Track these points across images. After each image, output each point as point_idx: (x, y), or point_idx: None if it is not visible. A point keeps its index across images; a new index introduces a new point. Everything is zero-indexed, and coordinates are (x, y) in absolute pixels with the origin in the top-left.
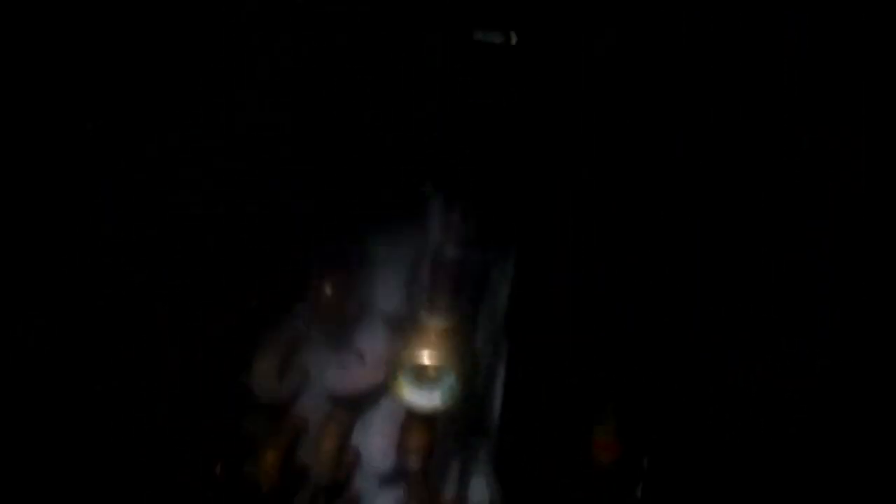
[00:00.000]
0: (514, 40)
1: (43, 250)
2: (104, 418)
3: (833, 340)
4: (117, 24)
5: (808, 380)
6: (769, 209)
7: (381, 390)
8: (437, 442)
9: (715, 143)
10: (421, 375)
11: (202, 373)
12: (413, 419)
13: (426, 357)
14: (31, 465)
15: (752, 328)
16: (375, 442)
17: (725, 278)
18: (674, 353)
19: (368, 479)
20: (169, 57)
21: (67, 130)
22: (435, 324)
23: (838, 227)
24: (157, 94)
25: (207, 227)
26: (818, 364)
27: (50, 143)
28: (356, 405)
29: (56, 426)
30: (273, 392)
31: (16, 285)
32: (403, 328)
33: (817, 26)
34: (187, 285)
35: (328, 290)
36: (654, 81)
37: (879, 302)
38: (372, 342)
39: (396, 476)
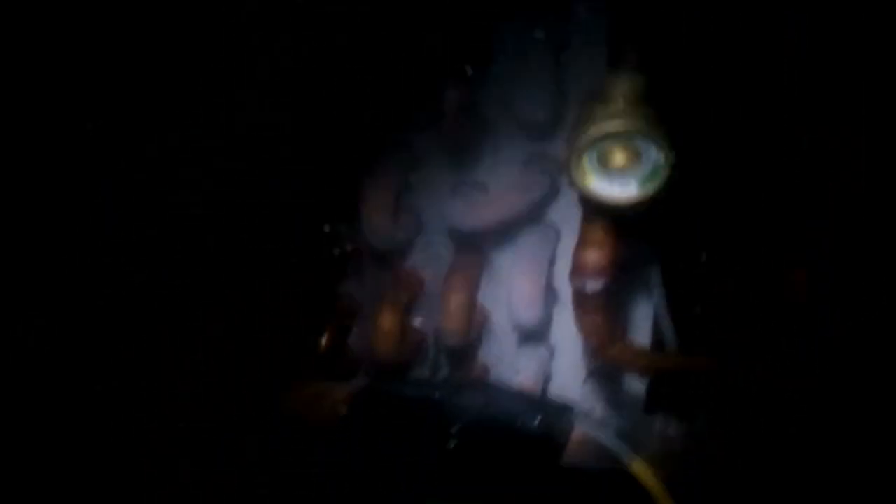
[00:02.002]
0: None
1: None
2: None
3: None
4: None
5: None
6: None
7: (516, 226)
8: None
9: None
10: (612, 155)
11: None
12: (593, 226)
13: (618, 126)
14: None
15: None
16: (518, 286)
17: None
18: None
19: (500, 341)
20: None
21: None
22: (626, 82)
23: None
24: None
25: None
26: None
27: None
28: (482, 248)
29: None
30: (386, 235)
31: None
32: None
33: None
34: None
35: (452, 100)
36: None
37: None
38: (497, 172)
39: (540, 331)
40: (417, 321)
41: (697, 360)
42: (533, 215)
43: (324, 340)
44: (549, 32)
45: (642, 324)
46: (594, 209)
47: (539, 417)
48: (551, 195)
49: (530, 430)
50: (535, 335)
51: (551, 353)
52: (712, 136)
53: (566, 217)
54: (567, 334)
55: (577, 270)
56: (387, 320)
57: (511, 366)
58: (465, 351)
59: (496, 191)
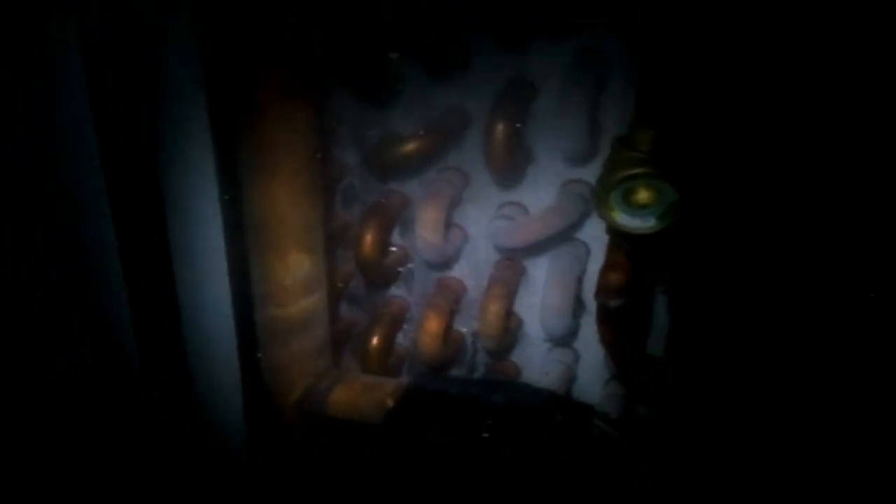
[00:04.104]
0: None
1: None
2: None
3: None
4: None
5: None
6: None
7: (551, 243)
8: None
9: None
10: (634, 194)
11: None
12: (617, 252)
13: (641, 170)
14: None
15: None
16: (550, 298)
17: None
18: None
19: (531, 344)
20: None
21: None
22: (649, 132)
23: None
24: None
25: None
26: None
27: None
28: (521, 261)
29: None
30: (437, 248)
31: None
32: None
33: None
34: None
35: (500, 131)
36: None
37: None
38: (537, 194)
39: (567, 336)
40: (459, 324)
41: (705, 372)
42: (568, 233)
43: (375, 339)
44: (590, 74)
45: (659, 336)
46: (618, 237)
47: (561, 415)
48: (584, 216)
49: (553, 426)
50: (562, 341)
51: (577, 358)
52: (719, 178)
53: (597, 235)
54: (592, 341)
55: (601, 289)
56: (432, 323)
57: (540, 367)
58: (500, 353)
59: (536, 213)
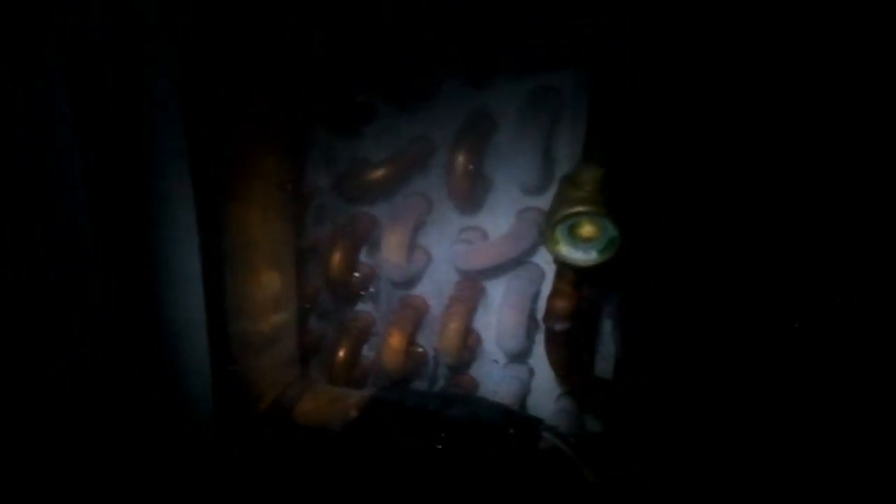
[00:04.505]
0: None
1: None
2: None
3: None
4: None
5: None
6: None
7: (508, 266)
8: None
9: None
10: (578, 229)
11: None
12: (562, 280)
13: (584, 208)
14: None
15: None
16: (505, 318)
17: None
18: None
19: (489, 361)
20: None
21: None
22: (593, 172)
23: None
24: None
25: None
26: None
27: None
28: (480, 282)
29: None
30: (401, 270)
31: None
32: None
33: None
34: None
35: (462, 161)
36: None
37: None
38: (495, 220)
39: (521, 355)
40: (422, 340)
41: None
42: (524, 257)
43: (342, 352)
44: (544, 111)
45: (606, 357)
46: (564, 266)
47: (512, 428)
48: (539, 242)
49: (505, 438)
50: (518, 357)
51: (531, 374)
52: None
53: (551, 259)
54: (546, 359)
55: (548, 314)
56: (395, 339)
57: (497, 382)
58: (459, 368)
59: (494, 238)
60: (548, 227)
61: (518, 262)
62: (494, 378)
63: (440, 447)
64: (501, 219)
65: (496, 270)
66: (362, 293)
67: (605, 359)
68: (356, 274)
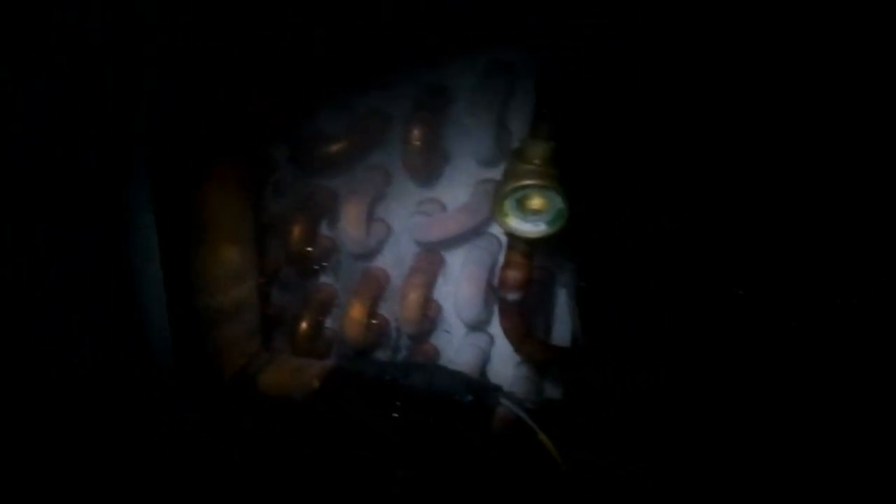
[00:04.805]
0: None
1: None
2: None
3: None
4: None
5: None
6: None
7: (466, 237)
8: (534, 275)
9: None
10: (527, 201)
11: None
12: (514, 251)
13: (532, 181)
14: None
15: None
16: (462, 289)
17: None
18: None
19: (450, 330)
20: None
21: None
22: (541, 146)
23: None
24: None
25: None
26: None
27: None
28: (439, 252)
29: None
30: (360, 241)
31: None
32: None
33: None
34: None
35: (417, 134)
36: None
37: None
38: (453, 192)
39: (480, 324)
40: (384, 310)
41: (595, 356)
42: (481, 228)
43: (304, 324)
44: (498, 84)
45: (562, 325)
46: (515, 238)
47: (471, 395)
48: None
49: (463, 405)
50: (478, 327)
51: (491, 342)
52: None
53: None
54: None
55: (500, 285)
56: (356, 310)
57: (457, 351)
58: (420, 337)
59: (452, 209)
60: (497, 201)
61: (476, 233)
62: (455, 347)
63: (396, 415)
64: (459, 191)
65: (455, 241)
66: (323, 265)
67: (563, 325)
68: (314, 248)
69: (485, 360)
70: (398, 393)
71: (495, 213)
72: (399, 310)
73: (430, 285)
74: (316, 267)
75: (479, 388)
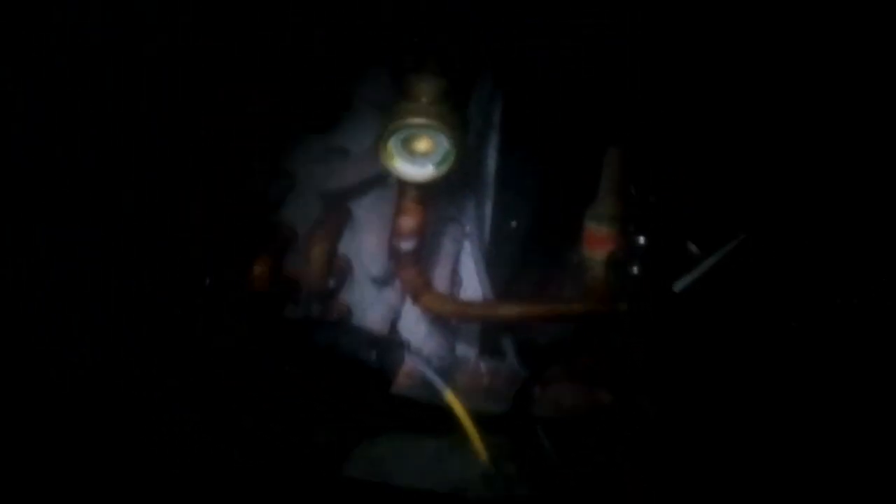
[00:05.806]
0: None
1: None
2: None
3: None
4: None
5: None
6: None
7: (369, 186)
8: (429, 223)
9: None
10: (413, 143)
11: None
12: (405, 197)
13: (417, 120)
14: None
15: None
16: (364, 241)
17: None
18: None
19: (361, 287)
20: None
21: None
22: (428, 83)
23: None
24: None
25: None
26: None
27: None
28: (346, 206)
29: None
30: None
31: None
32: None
33: None
34: None
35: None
36: None
37: None
38: (356, 136)
39: (388, 280)
40: (290, 268)
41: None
42: (385, 179)
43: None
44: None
45: (468, 276)
46: (405, 183)
47: (375, 352)
48: None
49: (367, 362)
50: (386, 282)
51: (400, 298)
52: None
53: None
54: None
55: (393, 233)
56: (259, 267)
57: (367, 307)
58: (329, 293)
59: (354, 156)
60: (381, 140)
61: (381, 183)
62: (368, 302)
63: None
64: (361, 137)
65: (358, 192)
66: None
67: (468, 276)
68: None
69: (394, 315)
70: (300, 351)
71: (380, 154)
72: (304, 265)
73: (334, 238)
74: None
75: (383, 345)
